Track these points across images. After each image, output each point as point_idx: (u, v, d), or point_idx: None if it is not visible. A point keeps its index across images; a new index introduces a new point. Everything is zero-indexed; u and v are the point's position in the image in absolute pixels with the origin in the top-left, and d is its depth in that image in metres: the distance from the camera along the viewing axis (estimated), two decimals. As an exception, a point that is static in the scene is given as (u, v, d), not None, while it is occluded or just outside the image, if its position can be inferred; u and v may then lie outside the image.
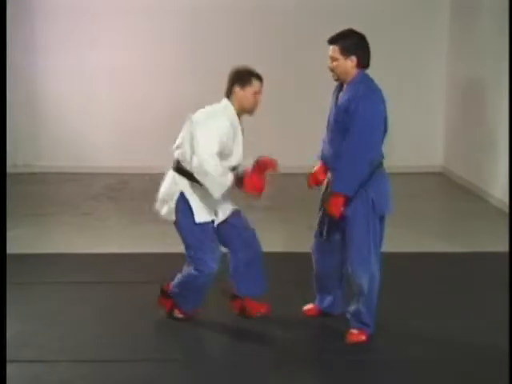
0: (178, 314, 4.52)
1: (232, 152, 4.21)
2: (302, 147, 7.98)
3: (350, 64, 4.08)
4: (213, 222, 4.34)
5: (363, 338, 4.30)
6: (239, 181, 4.16)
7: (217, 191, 4.12)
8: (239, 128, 4.27)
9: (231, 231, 4.44)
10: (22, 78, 8.95)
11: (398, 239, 6.34)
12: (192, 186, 4.22)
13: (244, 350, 4.26)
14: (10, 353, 3.89)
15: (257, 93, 4.24)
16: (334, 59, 4.08)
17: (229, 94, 4.26)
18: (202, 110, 4.28)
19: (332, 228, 4.27)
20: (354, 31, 4.14)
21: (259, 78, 4.26)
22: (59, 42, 9.01)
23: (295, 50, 8.92)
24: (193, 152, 4.10)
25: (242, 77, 4.23)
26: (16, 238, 6.10)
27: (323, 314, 4.56)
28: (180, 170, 4.25)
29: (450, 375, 3.97)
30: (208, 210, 4.27)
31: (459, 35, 8.82)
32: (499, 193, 7.40)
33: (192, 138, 4.11)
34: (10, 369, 3.77)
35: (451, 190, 8.48)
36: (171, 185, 4.28)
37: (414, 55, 9.12)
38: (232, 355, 4.24)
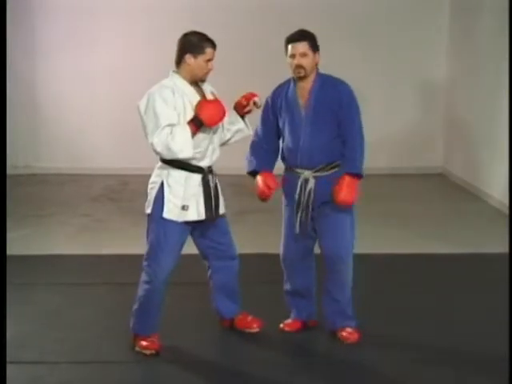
0: (141, 346, 4.16)
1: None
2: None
3: (316, 60, 4.19)
4: (188, 223, 4.11)
5: (356, 336, 4.30)
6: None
7: (186, 148, 3.89)
8: (194, 95, 4.04)
9: (211, 250, 4.29)
10: (21, 78, 8.95)
11: (397, 240, 6.35)
12: (172, 177, 4.04)
13: (242, 352, 4.27)
14: (10, 354, 3.89)
15: (210, 60, 4.03)
16: (303, 55, 4.14)
17: (178, 63, 4.05)
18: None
19: (308, 226, 4.26)
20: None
21: (212, 44, 4.04)
22: (59, 43, 9.01)
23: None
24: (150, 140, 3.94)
25: (194, 45, 3.99)
26: (16, 239, 6.11)
27: (305, 325, 4.48)
28: (162, 159, 4.09)
29: (449, 376, 3.97)
30: (179, 210, 4.04)
31: (459, 35, 8.82)
32: (499, 194, 7.40)
33: (144, 128, 4.00)
34: (10, 370, 3.76)
35: (451, 191, 8.48)
36: (155, 176, 4.13)
37: (414, 55, 9.11)
38: (230, 357, 4.24)
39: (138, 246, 6.21)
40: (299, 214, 4.23)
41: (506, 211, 7.02)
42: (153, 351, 4.15)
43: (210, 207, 4.12)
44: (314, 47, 4.17)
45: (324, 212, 4.20)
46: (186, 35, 4.05)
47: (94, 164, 9.13)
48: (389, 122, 9.11)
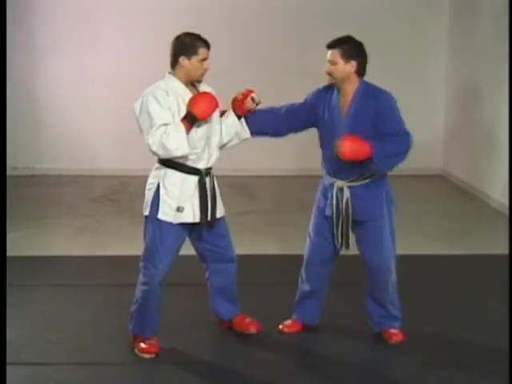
0: (140, 349, 4.17)
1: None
2: (302, 150, 8.01)
3: (349, 69, 4.07)
4: (184, 225, 4.08)
5: (400, 337, 4.33)
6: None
7: (182, 146, 3.87)
8: (189, 95, 3.98)
9: (209, 253, 4.28)
10: (22, 80, 8.95)
11: (397, 241, 6.34)
12: (167, 178, 4.02)
13: (241, 353, 4.26)
14: (10, 355, 3.89)
15: (204, 60, 3.97)
16: (333, 63, 4.07)
17: (174, 65, 4.01)
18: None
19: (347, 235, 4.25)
20: (353, 37, 4.14)
21: (205, 44, 3.98)
22: (60, 44, 9.01)
23: (296, 50, 8.93)
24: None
25: (187, 46, 3.95)
26: (16, 241, 6.12)
27: (305, 327, 4.48)
28: (160, 160, 4.07)
29: (449, 376, 3.98)
30: (174, 212, 4.02)
31: (459, 36, 8.83)
32: (499, 195, 7.41)
33: (140, 129, 4.01)
34: (10, 371, 3.76)
35: (451, 192, 8.48)
36: (152, 177, 4.11)
37: (414, 57, 9.12)
38: (230, 358, 4.23)
39: (137, 247, 6.22)
40: (340, 226, 4.20)
41: (506, 212, 7.02)
42: (152, 355, 4.14)
43: (205, 210, 4.08)
44: (347, 56, 4.04)
45: (363, 223, 4.19)
46: (178, 37, 4.02)
47: (93, 165, 9.13)
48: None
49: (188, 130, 3.91)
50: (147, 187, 4.14)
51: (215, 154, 4.16)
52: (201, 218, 4.08)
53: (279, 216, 7.27)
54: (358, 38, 4.16)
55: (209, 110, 3.95)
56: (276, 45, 8.96)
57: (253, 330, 4.42)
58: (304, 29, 8.86)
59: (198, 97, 3.96)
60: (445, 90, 9.21)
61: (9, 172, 7.09)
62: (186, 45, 3.97)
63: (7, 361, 3.65)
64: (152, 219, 4.07)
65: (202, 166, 4.08)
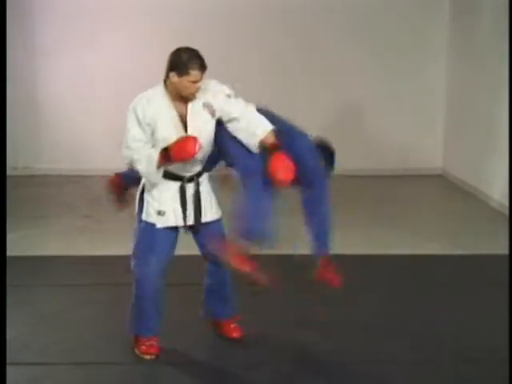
0: (141, 350, 4.19)
1: (165, 137, 3.88)
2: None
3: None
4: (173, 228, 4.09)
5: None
6: None
7: (150, 177, 3.92)
8: (170, 110, 3.91)
9: (204, 254, 4.29)
10: (22, 80, 8.95)
11: (397, 241, 6.34)
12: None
13: (242, 354, 4.27)
14: (10, 355, 3.89)
15: (195, 81, 3.83)
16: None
17: (166, 77, 3.89)
18: None
19: None
20: None
21: (199, 67, 3.81)
22: (59, 44, 9.00)
23: (296, 50, 8.92)
24: None
25: (181, 64, 3.80)
26: (16, 240, 6.11)
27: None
28: None
29: (450, 376, 3.98)
30: (156, 215, 4.05)
31: (459, 36, 8.82)
32: (499, 195, 7.41)
33: None
34: (10, 372, 3.76)
35: (450, 192, 8.48)
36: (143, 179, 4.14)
37: (414, 57, 9.12)
38: (230, 359, 4.23)
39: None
40: None
41: (506, 212, 7.02)
42: (152, 356, 4.15)
43: (184, 215, 4.07)
44: None
45: None
46: (177, 50, 3.89)
47: (93, 165, 9.12)
48: (388, 123, 9.12)
49: (161, 165, 3.88)
50: (139, 187, 4.20)
51: (200, 164, 4.09)
52: (183, 223, 4.08)
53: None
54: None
55: (187, 159, 3.88)
56: (276, 45, 8.95)
57: (234, 336, 4.39)
58: (304, 29, 8.86)
59: (180, 144, 3.83)
60: (445, 90, 9.21)
61: (9, 172, 7.09)
62: (181, 62, 3.82)
63: (7, 361, 3.65)
64: (138, 219, 4.14)
65: (185, 173, 4.05)
